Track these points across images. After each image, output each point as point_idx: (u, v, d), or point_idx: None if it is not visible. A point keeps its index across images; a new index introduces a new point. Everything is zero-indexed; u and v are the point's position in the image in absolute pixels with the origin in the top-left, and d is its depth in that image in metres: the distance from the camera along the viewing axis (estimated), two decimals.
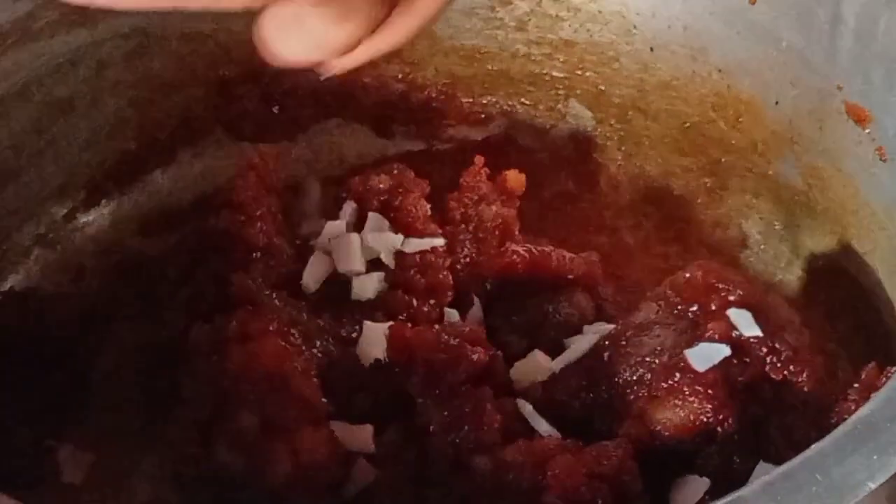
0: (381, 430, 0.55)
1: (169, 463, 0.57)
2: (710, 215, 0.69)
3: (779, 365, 0.54)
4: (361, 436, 0.55)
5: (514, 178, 0.67)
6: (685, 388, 0.54)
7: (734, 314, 0.55)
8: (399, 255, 0.62)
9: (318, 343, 0.58)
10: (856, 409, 0.45)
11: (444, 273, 0.62)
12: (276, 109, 0.70)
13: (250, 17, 0.37)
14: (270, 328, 0.56)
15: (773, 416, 0.54)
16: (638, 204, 0.71)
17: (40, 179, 0.65)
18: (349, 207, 0.64)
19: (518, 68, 0.71)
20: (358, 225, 0.63)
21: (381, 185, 0.64)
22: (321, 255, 0.62)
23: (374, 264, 0.62)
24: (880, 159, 0.58)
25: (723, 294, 0.56)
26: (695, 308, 0.57)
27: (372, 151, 0.72)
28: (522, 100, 0.72)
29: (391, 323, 0.58)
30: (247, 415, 0.53)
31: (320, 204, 0.67)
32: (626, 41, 0.68)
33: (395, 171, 0.65)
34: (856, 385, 0.51)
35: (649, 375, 0.55)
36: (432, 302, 0.61)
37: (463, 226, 0.65)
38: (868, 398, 0.41)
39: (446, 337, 0.57)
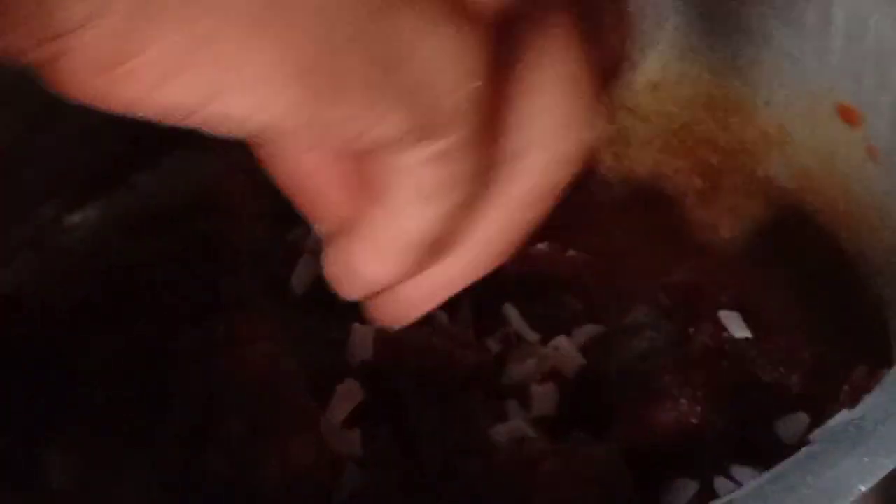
0: (370, 433, 0.55)
1: (157, 468, 0.56)
2: (701, 216, 0.69)
3: (769, 367, 0.54)
4: (350, 440, 0.54)
5: None
6: (675, 391, 0.53)
7: (724, 316, 0.55)
8: None
9: (306, 346, 0.58)
10: (846, 412, 0.45)
11: None
12: None
13: None
14: (259, 331, 0.56)
15: (763, 418, 0.54)
16: (628, 205, 0.70)
17: (26, 182, 0.65)
18: None
19: None
20: None
21: None
22: (309, 257, 0.62)
23: None
24: (871, 160, 0.58)
25: (713, 295, 0.56)
26: (685, 310, 0.57)
27: None
28: None
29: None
30: (235, 419, 0.53)
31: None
32: None
33: None
34: (846, 387, 0.51)
35: (639, 377, 0.55)
36: None
37: None
38: (859, 400, 0.41)
39: (435, 339, 0.57)
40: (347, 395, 0.56)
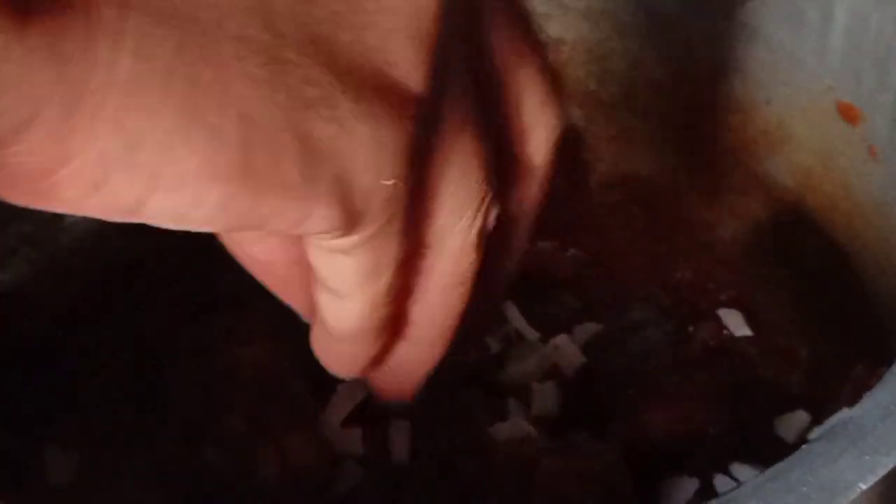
0: (370, 431, 0.55)
1: (156, 464, 0.56)
2: (700, 215, 0.69)
3: (769, 365, 0.54)
4: (350, 438, 0.54)
5: None
6: (675, 389, 0.53)
7: (725, 314, 0.55)
8: None
9: (307, 344, 0.58)
10: (846, 410, 0.45)
11: None
12: None
13: None
14: (258, 329, 0.56)
15: (763, 416, 0.54)
16: (627, 203, 0.70)
17: None
18: None
19: None
20: None
21: None
22: None
23: None
24: (871, 158, 0.58)
25: (713, 294, 0.56)
26: (685, 308, 0.57)
27: None
28: None
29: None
30: (234, 416, 0.53)
31: None
32: (615, 39, 0.68)
33: None
34: (846, 385, 0.51)
35: (639, 376, 0.55)
36: None
37: None
38: (858, 398, 0.41)
39: None
40: (349, 395, 0.56)
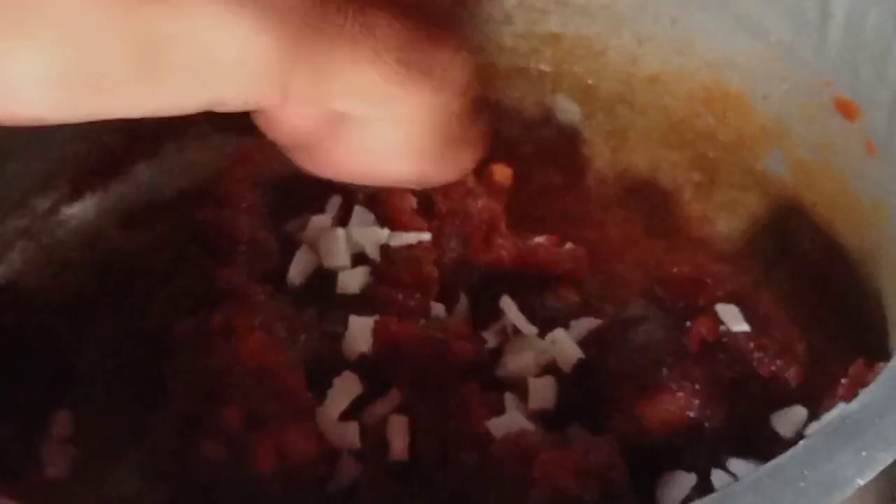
0: (367, 426, 0.55)
1: (153, 457, 0.56)
2: (698, 210, 0.69)
3: (766, 360, 0.54)
4: (347, 432, 0.54)
5: (501, 173, 0.67)
6: (672, 384, 0.53)
7: (722, 309, 0.55)
8: (384, 249, 0.62)
9: (304, 337, 0.58)
10: (844, 406, 0.45)
11: (431, 267, 0.62)
12: None
13: None
14: (255, 322, 0.56)
15: (760, 411, 0.54)
16: (625, 198, 0.70)
17: (24, 173, 0.65)
18: (335, 201, 0.64)
19: (505, 62, 0.71)
20: (343, 219, 0.63)
21: None
22: (307, 249, 0.62)
23: (359, 258, 0.62)
24: (869, 154, 0.58)
25: (710, 289, 0.56)
26: (682, 303, 0.56)
27: None
28: (509, 93, 0.72)
29: (377, 317, 0.58)
30: (232, 409, 0.53)
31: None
32: (613, 35, 0.68)
33: None
34: (844, 381, 0.51)
35: (636, 371, 0.55)
36: (418, 296, 0.61)
37: (449, 220, 0.64)
38: (856, 394, 0.41)
39: (432, 331, 0.57)
40: (346, 389, 0.56)
